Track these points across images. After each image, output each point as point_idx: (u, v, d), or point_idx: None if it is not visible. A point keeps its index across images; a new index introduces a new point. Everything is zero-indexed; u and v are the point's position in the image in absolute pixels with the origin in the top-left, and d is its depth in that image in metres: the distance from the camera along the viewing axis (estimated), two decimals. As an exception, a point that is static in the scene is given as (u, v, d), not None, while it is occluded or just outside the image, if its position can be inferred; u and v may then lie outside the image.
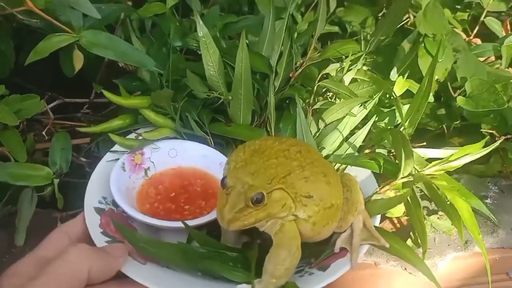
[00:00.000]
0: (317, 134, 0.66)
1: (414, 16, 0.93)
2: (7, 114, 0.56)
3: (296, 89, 0.67)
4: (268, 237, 0.47)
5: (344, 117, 0.65)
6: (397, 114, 0.69)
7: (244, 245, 0.53)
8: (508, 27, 0.89)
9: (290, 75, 0.69)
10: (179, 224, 0.50)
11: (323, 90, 0.69)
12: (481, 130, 0.77)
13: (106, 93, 0.59)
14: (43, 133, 0.63)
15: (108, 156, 0.59)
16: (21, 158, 0.57)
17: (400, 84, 0.72)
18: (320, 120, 0.65)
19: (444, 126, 0.78)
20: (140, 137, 0.62)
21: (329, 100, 0.69)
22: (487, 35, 0.89)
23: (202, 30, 0.61)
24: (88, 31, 0.62)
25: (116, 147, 0.60)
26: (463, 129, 0.81)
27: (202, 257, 0.47)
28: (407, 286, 0.63)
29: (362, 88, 0.70)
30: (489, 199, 0.70)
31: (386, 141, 0.66)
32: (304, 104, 0.66)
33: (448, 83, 0.76)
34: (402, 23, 0.94)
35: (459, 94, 0.75)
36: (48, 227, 0.60)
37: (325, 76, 0.69)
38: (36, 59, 0.59)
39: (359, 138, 0.65)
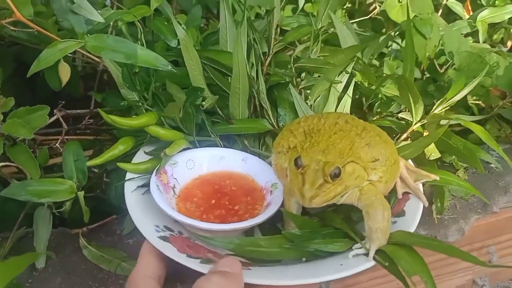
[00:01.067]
0: (313, 110, 0.66)
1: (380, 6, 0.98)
2: (21, 127, 0.52)
3: (278, 75, 0.67)
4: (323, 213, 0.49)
5: (329, 87, 0.66)
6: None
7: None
8: (469, 7, 0.96)
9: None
10: (257, 221, 0.49)
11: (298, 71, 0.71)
12: (468, 102, 0.82)
13: (112, 117, 0.52)
14: (57, 145, 0.58)
15: (129, 186, 0.53)
16: (34, 174, 0.52)
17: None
18: (309, 97, 0.66)
19: (435, 101, 0.82)
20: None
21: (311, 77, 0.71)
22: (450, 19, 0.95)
23: (180, 32, 0.60)
24: (93, 36, 0.58)
25: (129, 174, 0.55)
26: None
27: (306, 239, 0.47)
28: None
29: (335, 60, 0.70)
30: (492, 164, 0.74)
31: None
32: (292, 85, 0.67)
33: (434, 60, 0.80)
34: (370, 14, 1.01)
35: (445, 70, 0.79)
36: (67, 245, 0.58)
37: (295, 57, 0.70)
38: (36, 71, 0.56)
39: (347, 102, 0.66)
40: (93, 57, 0.70)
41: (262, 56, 0.67)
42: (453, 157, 0.71)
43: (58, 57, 0.55)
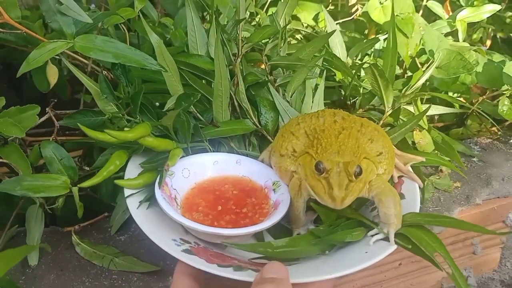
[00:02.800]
0: (291, 105, 0.67)
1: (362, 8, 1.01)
2: (13, 126, 0.52)
3: (255, 75, 0.67)
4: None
5: (303, 82, 0.67)
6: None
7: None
8: (449, 8, 0.98)
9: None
10: (274, 220, 0.49)
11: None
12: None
13: (109, 132, 0.50)
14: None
15: (132, 203, 0.51)
16: (25, 171, 0.53)
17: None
18: (285, 93, 0.67)
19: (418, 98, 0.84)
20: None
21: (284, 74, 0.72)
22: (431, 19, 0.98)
23: (153, 39, 0.59)
24: (82, 36, 0.58)
25: (128, 191, 0.53)
26: (432, 100, 0.88)
27: (328, 233, 0.48)
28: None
29: (303, 54, 0.72)
30: (475, 157, 0.77)
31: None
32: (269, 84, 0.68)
33: (416, 59, 0.82)
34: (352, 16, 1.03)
35: (427, 68, 0.81)
36: (59, 243, 0.59)
37: (266, 56, 0.71)
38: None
39: (321, 93, 0.67)
40: (81, 59, 0.70)
41: (231, 57, 0.67)
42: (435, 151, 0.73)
43: (47, 58, 0.55)
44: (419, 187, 0.56)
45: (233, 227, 0.49)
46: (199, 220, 0.50)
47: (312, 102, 0.66)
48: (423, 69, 0.83)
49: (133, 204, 0.51)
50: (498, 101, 0.75)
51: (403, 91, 0.67)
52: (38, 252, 0.55)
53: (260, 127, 0.62)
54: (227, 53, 0.67)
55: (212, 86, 0.62)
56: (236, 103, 0.63)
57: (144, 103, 0.57)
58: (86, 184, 0.51)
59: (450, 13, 0.97)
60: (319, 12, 1.03)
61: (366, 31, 1.03)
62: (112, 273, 0.55)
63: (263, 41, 0.71)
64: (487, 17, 0.93)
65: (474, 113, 0.80)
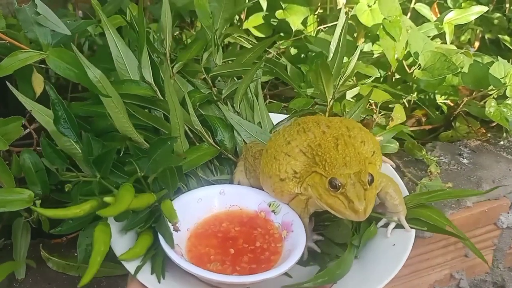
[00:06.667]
0: (241, 115, 0.65)
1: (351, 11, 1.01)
2: (-4, 139, 0.52)
3: (198, 92, 0.64)
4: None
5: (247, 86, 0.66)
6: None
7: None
8: (436, 10, 0.99)
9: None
10: (303, 244, 0.49)
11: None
12: (437, 101, 0.85)
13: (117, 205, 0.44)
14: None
15: (147, 280, 0.46)
16: (9, 184, 0.52)
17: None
18: (234, 104, 0.65)
19: (405, 101, 0.84)
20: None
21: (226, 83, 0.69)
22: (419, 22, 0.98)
23: (95, 73, 0.53)
24: (55, 49, 0.57)
25: (131, 265, 0.47)
26: (421, 103, 0.88)
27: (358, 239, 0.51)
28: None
29: (244, 60, 0.71)
30: (465, 159, 0.77)
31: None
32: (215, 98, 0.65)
33: (403, 61, 0.82)
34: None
35: (412, 71, 0.81)
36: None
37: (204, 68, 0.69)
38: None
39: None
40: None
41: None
42: (423, 152, 0.73)
43: (18, 66, 0.55)
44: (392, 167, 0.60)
45: (258, 265, 0.48)
46: (220, 271, 0.47)
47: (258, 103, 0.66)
48: (410, 71, 0.83)
49: (150, 278, 0.46)
50: (485, 102, 0.76)
51: (338, 81, 0.67)
52: (25, 266, 0.55)
53: (219, 148, 0.59)
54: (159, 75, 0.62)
55: (153, 113, 0.60)
56: (186, 128, 0.59)
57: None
58: (46, 212, 0.45)
59: (438, 15, 0.98)
60: (307, 16, 1.03)
61: (355, 34, 1.04)
62: (101, 285, 0.54)
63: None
64: (475, 19, 0.94)
65: (461, 115, 0.80)
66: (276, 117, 0.66)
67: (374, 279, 0.47)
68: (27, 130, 0.57)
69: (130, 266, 0.45)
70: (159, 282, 0.45)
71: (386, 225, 0.53)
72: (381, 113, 0.72)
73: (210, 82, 0.67)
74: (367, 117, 0.72)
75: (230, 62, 0.72)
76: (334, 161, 0.47)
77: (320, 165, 0.47)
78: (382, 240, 0.51)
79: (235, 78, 0.69)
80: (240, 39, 0.92)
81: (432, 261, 0.73)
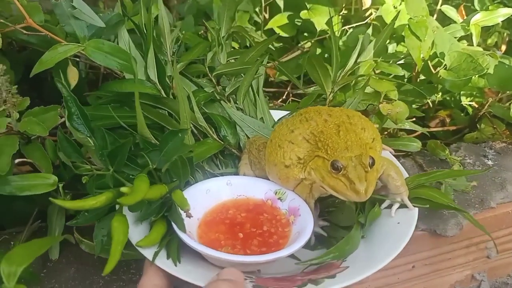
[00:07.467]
0: (245, 112, 0.67)
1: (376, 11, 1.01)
2: (36, 125, 0.53)
3: (202, 91, 0.66)
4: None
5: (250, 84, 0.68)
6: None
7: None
8: (463, 12, 0.99)
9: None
10: (310, 227, 0.51)
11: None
12: (462, 103, 0.85)
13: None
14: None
15: (165, 264, 0.47)
16: (47, 170, 0.54)
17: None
18: (238, 101, 0.68)
19: (429, 101, 0.84)
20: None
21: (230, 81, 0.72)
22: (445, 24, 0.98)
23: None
24: (92, 40, 0.60)
25: (148, 251, 0.49)
26: (446, 104, 0.88)
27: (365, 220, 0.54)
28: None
29: (247, 59, 0.73)
30: (490, 161, 0.77)
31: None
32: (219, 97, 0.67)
33: (428, 62, 0.82)
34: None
35: (437, 71, 0.81)
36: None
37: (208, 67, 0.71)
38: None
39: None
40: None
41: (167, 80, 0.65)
42: (447, 152, 0.73)
43: (58, 59, 0.57)
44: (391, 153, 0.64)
45: (267, 247, 0.50)
46: (232, 254, 0.48)
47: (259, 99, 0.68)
48: (435, 72, 0.83)
49: (167, 263, 0.47)
50: (511, 104, 0.75)
51: (339, 75, 0.69)
52: (59, 247, 0.57)
53: (223, 143, 0.62)
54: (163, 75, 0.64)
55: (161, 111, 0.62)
56: (191, 125, 0.61)
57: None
58: (64, 203, 0.46)
59: (465, 17, 0.97)
60: (332, 17, 1.04)
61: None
62: (130, 268, 0.56)
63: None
64: (502, 21, 0.93)
65: (486, 116, 0.80)
66: (275, 114, 0.69)
67: (382, 255, 0.48)
68: (63, 119, 0.59)
69: (147, 253, 0.47)
70: (176, 265, 0.47)
71: (389, 207, 0.55)
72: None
73: (214, 80, 0.69)
74: (368, 107, 0.73)
75: (233, 60, 0.74)
76: (336, 145, 0.49)
77: (323, 149, 0.50)
78: (387, 220, 0.54)
79: (242, 74, 0.71)
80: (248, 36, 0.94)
81: (454, 261, 0.73)
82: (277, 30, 1.05)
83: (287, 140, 0.53)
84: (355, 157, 0.48)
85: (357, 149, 0.48)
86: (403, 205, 0.55)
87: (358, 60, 0.76)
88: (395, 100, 0.69)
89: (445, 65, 0.79)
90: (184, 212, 0.49)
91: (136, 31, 0.68)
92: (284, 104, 0.94)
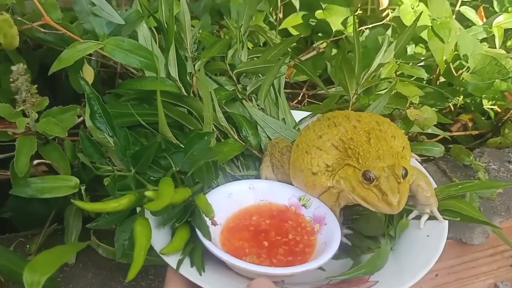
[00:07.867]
0: (266, 112, 0.65)
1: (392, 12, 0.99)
2: (55, 125, 0.52)
3: (223, 89, 0.64)
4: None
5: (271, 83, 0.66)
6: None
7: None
8: (482, 13, 0.97)
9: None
10: (338, 238, 0.49)
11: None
12: (484, 107, 0.83)
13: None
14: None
15: (188, 272, 0.45)
16: (65, 171, 0.53)
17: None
18: (259, 100, 0.66)
19: (450, 105, 0.83)
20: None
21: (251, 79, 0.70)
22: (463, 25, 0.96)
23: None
24: (112, 38, 0.59)
25: (172, 259, 0.47)
26: (466, 107, 0.86)
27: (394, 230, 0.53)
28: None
29: (270, 57, 0.71)
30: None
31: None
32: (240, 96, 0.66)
33: (451, 64, 0.81)
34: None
35: (461, 73, 0.79)
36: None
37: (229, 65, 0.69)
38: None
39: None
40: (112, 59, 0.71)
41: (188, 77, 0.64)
42: (471, 158, 0.71)
43: (78, 57, 0.56)
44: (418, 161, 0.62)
45: (294, 257, 0.48)
46: (257, 264, 0.46)
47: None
48: (457, 74, 0.81)
49: (191, 271, 0.45)
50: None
51: (362, 77, 0.67)
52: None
53: (244, 144, 0.60)
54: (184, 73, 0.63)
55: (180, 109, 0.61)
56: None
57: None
58: (84, 205, 0.44)
59: (484, 19, 0.96)
60: (348, 17, 1.03)
61: (396, 36, 1.02)
62: (149, 274, 0.54)
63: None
64: (524, 24, 0.91)
65: (510, 121, 0.78)
66: (296, 114, 0.67)
67: (413, 270, 0.47)
68: (81, 118, 0.58)
69: (171, 260, 0.45)
70: (200, 274, 0.45)
71: (417, 218, 0.53)
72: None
73: (235, 78, 0.67)
74: (394, 112, 0.71)
75: (255, 58, 0.72)
76: (367, 154, 0.47)
77: (353, 158, 0.48)
78: (415, 232, 0.52)
79: (260, 74, 0.69)
80: (266, 35, 0.92)
81: (478, 270, 0.71)
82: (291, 30, 1.03)
83: (315, 146, 0.51)
84: (387, 167, 0.46)
85: (389, 159, 0.47)
86: (432, 217, 0.53)
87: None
88: (421, 105, 0.66)
89: (468, 67, 0.77)
90: (210, 219, 0.47)
91: (152, 28, 0.66)
92: (299, 106, 0.92)
